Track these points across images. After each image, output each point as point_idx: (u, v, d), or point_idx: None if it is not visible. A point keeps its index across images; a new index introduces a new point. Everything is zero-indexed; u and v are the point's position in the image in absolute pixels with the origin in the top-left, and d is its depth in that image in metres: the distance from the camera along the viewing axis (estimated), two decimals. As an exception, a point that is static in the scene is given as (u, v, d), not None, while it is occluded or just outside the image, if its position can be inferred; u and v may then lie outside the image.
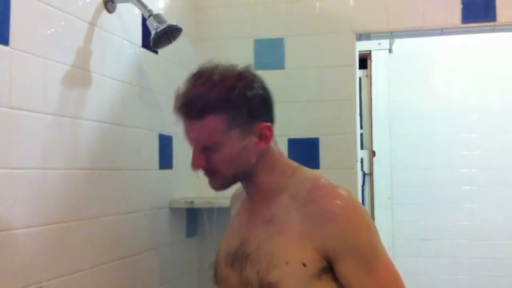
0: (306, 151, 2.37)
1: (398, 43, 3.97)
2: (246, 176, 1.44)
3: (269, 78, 2.46)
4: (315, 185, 1.38)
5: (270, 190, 1.43)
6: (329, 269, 1.32)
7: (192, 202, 2.20)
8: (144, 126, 1.98)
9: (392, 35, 2.48)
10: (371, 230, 1.34)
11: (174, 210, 2.20)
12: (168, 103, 2.15)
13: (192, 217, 2.40)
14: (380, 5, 2.36)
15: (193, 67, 2.40)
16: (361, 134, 3.91)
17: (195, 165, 1.41)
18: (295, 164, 1.49)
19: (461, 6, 2.28)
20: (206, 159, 1.39)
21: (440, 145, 3.93)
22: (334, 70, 2.38)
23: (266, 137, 1.39)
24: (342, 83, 2.37)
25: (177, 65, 2.27)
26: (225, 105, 1.34)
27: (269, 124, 1.39)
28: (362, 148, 3.93)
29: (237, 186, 1.52)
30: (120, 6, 1.77)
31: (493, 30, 2.34)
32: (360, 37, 2.46)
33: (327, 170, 2.34)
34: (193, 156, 1.41)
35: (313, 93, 2.36)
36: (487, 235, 3.83)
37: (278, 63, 2.42)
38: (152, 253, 2.02)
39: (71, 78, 1.55)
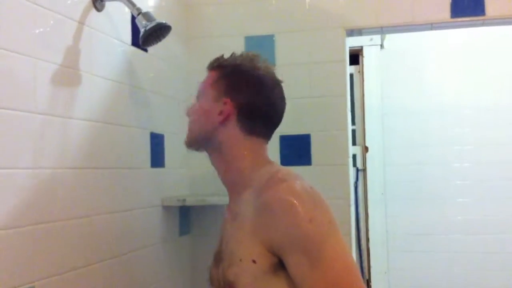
0: (297, 147, 2.37)
1: (390, 38, 3.97)
2: (206, 142, 1.51)
3: (260, 75, 2.48)
4: (270, 178, 1.37)
5: (239, 185, 1.45)
6: (282, 264, 1.29)
7: (184, 200, 2.20)
8: (135, 124, 1.98)
9: (382, 30, 2.48)
10: (314, 223, 1.27)
11: (166, 208, 2.20)
12: (159, 101, 2.17)
13: (185, 215, 2.40)
14: (370, 1, 2.36)
15: (183, 65, 2.42)
16: (354, 130, 3.92)
17: (186, 110, 1.59)
18: (267, 159, 1.51)
19: (450, 0, 2.29)
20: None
21: (433, 140, 3.93)
22: (325, 66, 2.38)
23: (223, 110, 1.46)
24: (333, 79, 2.38)
25: (167, 63, 2.27)
26: (223, 69, 1.51)
27: (230, 101, 1.46)
28: (355, 144, 3.94)
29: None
30: (109, 5, 1.77)
31: (482, 24, 2.34)
32: (352, 33, 2.46)
33: (319, 167, 2.35)
34: None
35: (304, 90, 2.37)
36: (480, 230, 3.84)
37: (268, 60, 2.42)
38: (145, 252, 2.02)
39: (61, 77, 1.55)
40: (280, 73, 2.40)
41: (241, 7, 2.48)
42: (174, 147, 2.27)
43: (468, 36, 3.82)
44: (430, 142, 3.93)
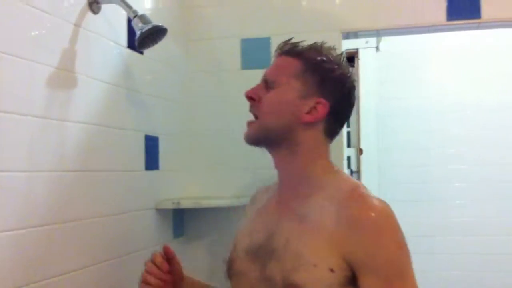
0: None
1: (386, 41, 3.97)
2: (279, 139, 1.41)
3: (256, 77, 2.47)
4: (353, 192, 1.34)
5: (305, 187, 1.39)
6: (354, 279, 1.27)
7: (178, 203, 2.19)
8: (130, 127, 1.97)
9: (378, 33, 2.49)
10: (402, 249, 1.28)
11: (160, 211, 2.19)
12: (153, 103, 2.16)
13: (179, 218, 2.39)
14: (366, 4, 2.36)
15: (180, 67, 2.42)
16: (349, 132, 3.92)
17: (249, 91, 1.45)
18: (336, 166, 1.46)
19: (446, 3, 2.29)
20: (260, 92, 1.43)
21: (430, 142, 3.93)
22: (321, 69, 2.38)
23: (315, 111, 1.38)
24: (328, 82, 2.37)
25: (163, 66, 2.26)
26: (310, 61, 1.40)
27: (326, 102, 1.37)
28: (349, 146, 3.94)
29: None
30: (105, 7, 1.76)
31: (478, 27, 2.35)
32: (348, 35, 2.46)
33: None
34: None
35: (300, 92, 2.36)
36: (479, 231, 3.85)
37: (264, 63, 2.40)
38: (139, 255, 2.01)
39: (57, 80, 1.54)
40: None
41: (238, 10, 2.47)
42: (169, 150, 2.26)
43: (465, 37, 3.82)
44: (426, 144, 3.94)
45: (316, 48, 1.45)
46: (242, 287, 1.42)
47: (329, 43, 2.33)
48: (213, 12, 2.50)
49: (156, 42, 1.78)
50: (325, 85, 1.39)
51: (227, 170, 2.47)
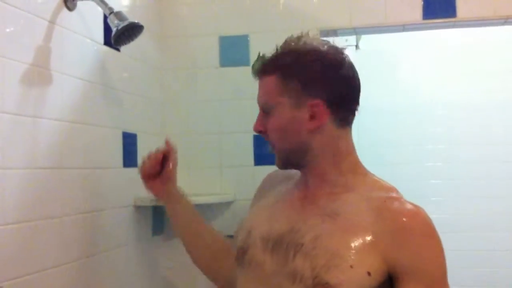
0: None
1: (366, 39, 3.98)
2: (302, 158, 1.38)
3: (234, 75, 2.49)
4: (390, 196, 1.34)
5: (332, 185, 1.37)
6: (388, 283, 1.26)
7: (157, 200, 2.19)
8: (107, 124, 1.97)
9: (355, 31, 2.50)
10: (444, 257, 1.28)
11: (139, 208, 2.19)
12: (131, 100, 2.16)
13: (158, 215, 2.38)
14: (343, 2, 2.38)
15: (157, 64, 2.42)
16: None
17: (254, 127, 1.43)
18: (364, 166, 1.44)
19: (422, 2, 2.31)
20: (263, 121, 1.40)
21: (406, 139, 3.95)
22: (299, 67, 2.38)
23: (314, 114, 1.34)
24: (307, 80, 2.38)
25: (140, 63, 2.26)
26: (283, 70, 1.35)
27: (319, 101, 1.33)
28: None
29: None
30: (80, 4, 1.75)
31: (453, 26, 2.37)
32: (327, 34, 2.46)
33: (293, 166, 2.35)
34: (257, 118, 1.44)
35: (278, 90, 2.37)
36: (454, 227, 3.87)
37: (243, 60, 2.43)
38: (118, 252, 2.01)
39: (30, 77, 1.53)
40: (254, 73, 2.43)
41: (216, 7, 2.47)
42: (147, 147, 2.25)
43: (443, 36, 3.84)
44: (403, 142, 3.96)
45: (288, 50, 1.38)
46: (256, 278, 1.38)
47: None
48: (191, 10, 2.50)
49: (133, 39, 1.78)
50: (308, 85, 1.34)
51: (206, 168, 2.47)
